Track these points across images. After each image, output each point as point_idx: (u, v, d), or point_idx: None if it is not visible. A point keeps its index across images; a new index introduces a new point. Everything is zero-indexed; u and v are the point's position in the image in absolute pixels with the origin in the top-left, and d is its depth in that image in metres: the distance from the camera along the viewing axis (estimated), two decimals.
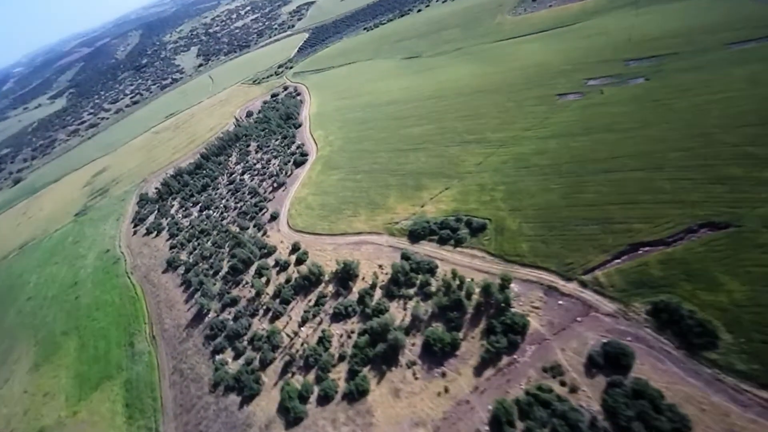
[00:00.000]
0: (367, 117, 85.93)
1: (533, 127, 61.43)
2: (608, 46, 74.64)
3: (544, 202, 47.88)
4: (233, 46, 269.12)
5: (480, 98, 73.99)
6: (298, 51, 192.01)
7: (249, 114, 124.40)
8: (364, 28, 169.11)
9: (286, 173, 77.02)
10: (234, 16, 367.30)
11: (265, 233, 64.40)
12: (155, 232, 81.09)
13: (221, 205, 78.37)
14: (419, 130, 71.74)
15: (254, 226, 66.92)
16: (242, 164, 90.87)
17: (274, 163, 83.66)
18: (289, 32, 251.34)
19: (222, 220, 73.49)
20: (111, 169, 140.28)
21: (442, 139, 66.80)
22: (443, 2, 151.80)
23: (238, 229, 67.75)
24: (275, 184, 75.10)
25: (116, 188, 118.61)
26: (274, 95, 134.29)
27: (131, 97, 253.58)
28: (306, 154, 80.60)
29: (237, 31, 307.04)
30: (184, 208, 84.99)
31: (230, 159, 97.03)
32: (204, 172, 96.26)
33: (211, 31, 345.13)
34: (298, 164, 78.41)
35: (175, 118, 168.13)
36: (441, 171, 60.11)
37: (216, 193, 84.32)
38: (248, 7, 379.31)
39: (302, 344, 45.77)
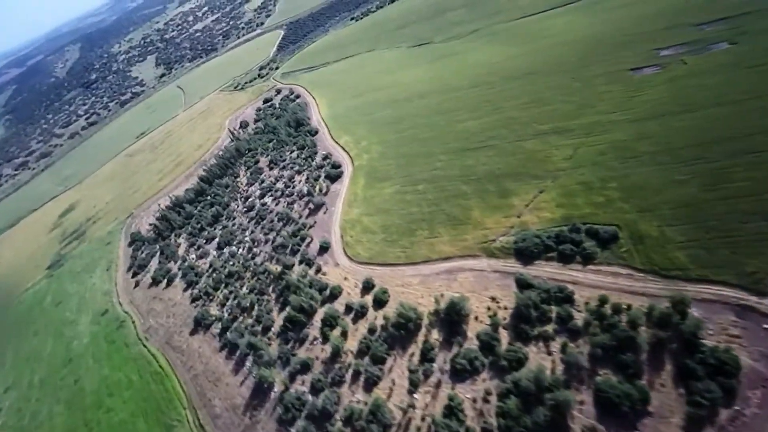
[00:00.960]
0: (399, 114, 75.61)
1: (618, 108, 53.88)
2: (664, 11, 68.27)
3: (680, 197, 40.38)
4: (197, 51, 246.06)
5: (534, 81, 65.72)
6: (277, 49, 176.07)
7: (244, 125, 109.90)
8: (351, 18, 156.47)
9: (321, 191, 65.54)
10: (191, 18, 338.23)
11: (319, 270, 53.23)
12: (165, 281, 67.09)
13: (246, 239, 65.69)
14: (476, 124, 62.62)
15: (301, 261, 55.51)
16: (257, 185, 77.95)
17: (300, 180, 71.68)
18: (259, 30, 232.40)
19: (253, 258, 61.07)
20: (81, 206, 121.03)
21: (509, 133, 58.09)
22: None
23: (280, 268, 56.06)
24: (311, 206, 63.54)
25: (95, 229, 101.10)
26: (267, 100, 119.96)
27: (86, 118, 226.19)
28: (338, 166, 69.34)
29: (198, 34, 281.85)
30: (196, 247, 71.26)
31: (239, 180, 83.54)
32: (209, 199, 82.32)
33: (167, 37, 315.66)
34: (333, 178, 67.11)
35: (148, 137, 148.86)
36: (525, 170, 51.45)
37: (234, 224, 71.19)
38: (205, 8, 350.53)
39: (423, 418, 36.03)
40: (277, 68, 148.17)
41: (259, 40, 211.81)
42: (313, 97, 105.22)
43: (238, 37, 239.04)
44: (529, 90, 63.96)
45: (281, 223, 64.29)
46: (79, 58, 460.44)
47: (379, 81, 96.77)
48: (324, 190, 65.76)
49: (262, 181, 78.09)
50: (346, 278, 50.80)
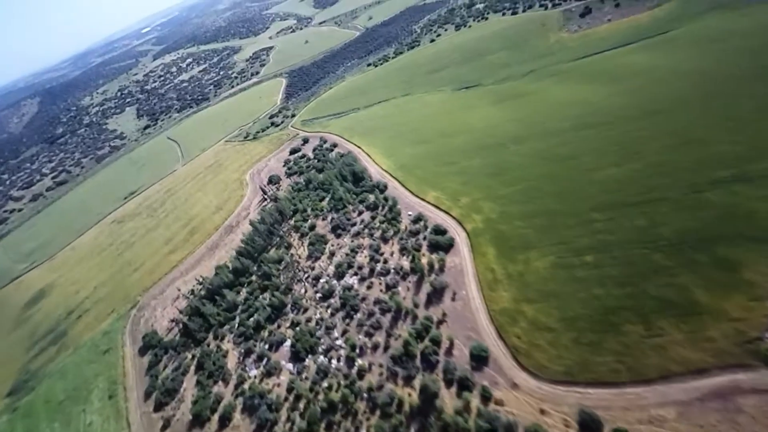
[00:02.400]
0: (496, 163, 65.13)
1: None
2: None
3: None
4: (186, 101, 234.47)
5: (668, 120, 58.38)
6: (285, 97, 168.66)
7: (274, 180, 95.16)
8: (368, 65, 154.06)
9: (432, 267, 50.94)
10: (174, 70, 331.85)
11: (487, 396, 36.67)
12: (217, 420, 46.14)
13: (339, 343, 47.84)
14: (618, 173, 52.70)
15: (449, 381, 38.81)
16: (326, 259, 61.62)
17: (391, 252, 56.76)
18: (255, 79, 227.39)
19: (361, 376, 43.28)
20: (57, 292, 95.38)
21: (674, 182, 48.28)
22: (456, 31, 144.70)
23: (416, 394, 38.84)
24: (428, 290, 48.30)
25: (82, 327, 76.45)
26: (294, 151, 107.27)
27: (53, 177, 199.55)
28: (443, 231, 55.68)
29: (185, 84, 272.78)
30: (255, 357, 51.47)
31: (295, 252, 66.88)
32: (256, 281, 64.20)
33: (148, 88, 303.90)
34: (442, 248, 53.08)
35: (141, 197, 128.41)
36: (733, 231, 40.81)
37: (309, 319, 53.35)
38: (188, 60, 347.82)
39: None
40: (292, 116, 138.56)
41: (259, 88, 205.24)
42: (358, 146, 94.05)
43: (232, 86, 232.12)
44: (668, 130, 56.27)
45: (388, 317, 48.08)
46: (38, 112, 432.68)
47: (439, 124, 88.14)
48: (437, 266, 51.34)
49: (332, 254, 62.11)
50: (542, 410, 34.68)
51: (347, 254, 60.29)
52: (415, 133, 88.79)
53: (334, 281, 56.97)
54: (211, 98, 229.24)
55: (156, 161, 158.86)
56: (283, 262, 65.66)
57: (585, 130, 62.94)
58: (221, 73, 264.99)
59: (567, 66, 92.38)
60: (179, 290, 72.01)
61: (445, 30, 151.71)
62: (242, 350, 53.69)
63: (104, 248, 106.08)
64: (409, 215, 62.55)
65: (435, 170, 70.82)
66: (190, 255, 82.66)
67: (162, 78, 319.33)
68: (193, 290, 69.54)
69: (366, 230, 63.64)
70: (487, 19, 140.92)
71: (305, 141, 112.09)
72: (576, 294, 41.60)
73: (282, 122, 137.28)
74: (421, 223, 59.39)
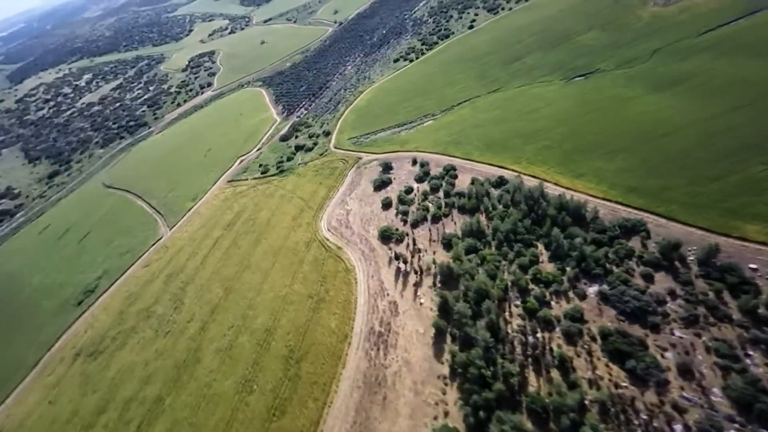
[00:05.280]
0: None
1: None
2: None
3: None
4: (111, 131, 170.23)
5: None
6: (285, 111, 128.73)
7: (392, 237, 61.02)
8: (395, 60, 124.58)
9: None
10: (68, 90, 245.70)
11: None
12: None
13: None
14: None
15: None
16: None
17: None
18: (211, 92, 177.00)
19: None
20: None
21: None
22: (494, 14, 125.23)
23: None
24: None
25: None
26: (381, 184, 74.20)
27: None
28: None
29: (97, 108, 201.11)
30: None
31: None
32: None
33: (32, 118, 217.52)
34: None
35: (100, 308, 78.74)
36: None
37: None
38: (87, 76, 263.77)
39: None
40: (325, 134, 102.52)
41: (227, 103, 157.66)
42: (499, 166, 66.78)
43: (179, 105, 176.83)
44: None
45: None
46: None
47: (605, 125, 66.57)
48: None
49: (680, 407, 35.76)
50: None
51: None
52: (582, 138, 65.82)
53: None
54: (151, 123, 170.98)
55: (107, 230, 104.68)
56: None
57: None
58: (151, 89, 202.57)
59: (699, 41, 79.93)
60: None
61: (476, 15, 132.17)
62: None
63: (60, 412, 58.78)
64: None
65: (714, 194, 49.38)
66: None
67: (52, 102, 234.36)
68: None
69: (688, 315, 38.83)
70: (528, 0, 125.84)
71: (386, 167, 79.86)
72: None
73: (314, 145, 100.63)
74: None
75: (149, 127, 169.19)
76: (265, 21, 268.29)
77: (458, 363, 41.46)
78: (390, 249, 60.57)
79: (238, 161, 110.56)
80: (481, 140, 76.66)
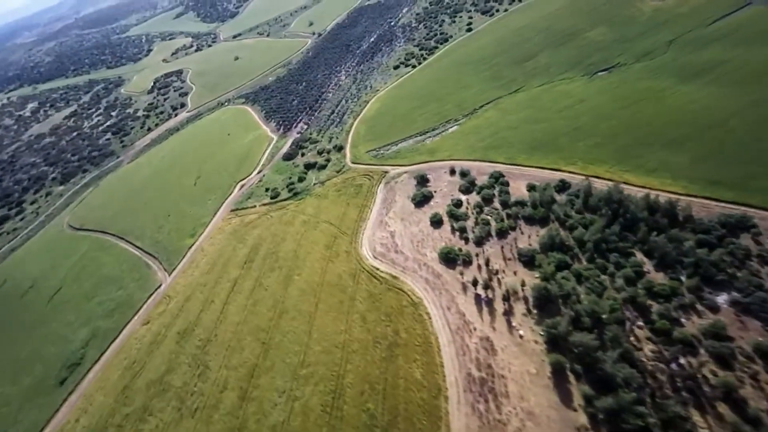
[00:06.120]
0: None
1: None
2: None
3: None
4: (72, 164, 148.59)
5: None
6: (280, 128, 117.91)
7: (453, 256, 52.71)
8: (396, 67, 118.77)
9: None
10: (10, 122, 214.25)
11: None
12: None
13: None
14: None
15: None
16: None
17: None
18: (187, 113, 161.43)
19: None
20: None
21: None
22: (488, 16, 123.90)
23: None
24: None
25: None
26: (420, 200, 66.38)
27: None
28: None
29: (50, 140, 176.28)
30: None
31: None
32: None
33: None
34: None
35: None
36: None
37: None
38: (32, 105, 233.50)
39: None
40: (337, 149, 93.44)
41: (208, 124, 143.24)
42: (561, 170, 61.71)
43: (149, 129, 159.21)
44: None
45: None
46: None
47: (655, 117, 64.08)
48: None
49: None
50: None
51: None
52: (634, 132, 62.47)
53: None
54: (119, 151, 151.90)
55: (84, 283, 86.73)
56: None
57: None
58: (114, 114, 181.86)
59: (709, 31, 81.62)
60: None
61: (470, 18, 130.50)
62: None
63: None
64: None
65: None
66: None
67: None
68: None
69: None
70: (521, 1, 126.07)
71: (422, 180, 72.40)
72: None
73: (327, 161, 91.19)
74: None
75: (117, 157, 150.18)
76: (234, 36, 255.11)
77: (603, 410, 34.44)
78: (460, 273, 53.11)
79: (238, 186, 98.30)
80: (523, 142, 71.97)
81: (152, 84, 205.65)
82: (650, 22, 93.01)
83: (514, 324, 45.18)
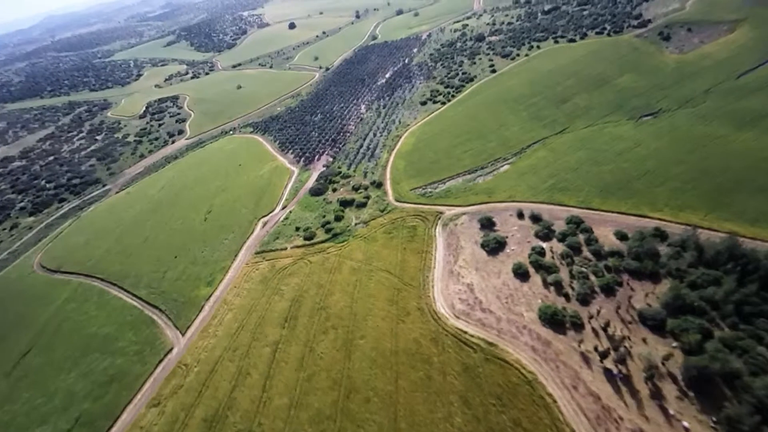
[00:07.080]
0: None
1: None
2: None
3: None
4: (46, 194, 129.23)
5: None
6: (300, 160, 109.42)
7: (563, 318, 44.96)
8: (423, 103, 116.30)
9: None
10: None
11: None
12: None
13: None
14: None
15: None
16: None
17: None
18: (186, 140, 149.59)
19: None
20: None
21: None
22: (511, 60, 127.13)
23: None
24: None
25: None
26: (494, 246, 58.73)
27: None
28: None
29: (20, 164, 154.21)
30: None
31: None
32: None
33: None
34: None
35: None
36: None
37: None
38: (2, 124, 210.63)
39: None
40: (375, 185, 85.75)
41: (213, 153, 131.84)
42: (645, 216, 57.44)
43: (142, 156, 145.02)
44: None
45: None
46: None
47: (733, 167, 62.78)
48: None
49: None
50: None
51: None
52: (715, 177, 60.02)
53: None
54: (105, 179, 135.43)
55: (64, 346, 68.49)
56: None
57: None
58: (99, 138, 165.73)
59: (741, 83, 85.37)
60: None
61: (491, 60, 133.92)
62: None
63: None
64: None
65: None
66: None
67: None
68: None
69: None
70: (540, 48, 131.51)
71: (487, 223, 65.81)
72: None
73: (366, 198, 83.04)
74: None
75: (104, 185, 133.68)
76: (234, 66, 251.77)
77: None
78: (575, 340, 45.13)
79: (260, 224, 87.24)
80: (591, 185, 68.21)
81: (144, 108, 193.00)
82: (677, 72, 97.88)
83: (671, 412, 37.18)
